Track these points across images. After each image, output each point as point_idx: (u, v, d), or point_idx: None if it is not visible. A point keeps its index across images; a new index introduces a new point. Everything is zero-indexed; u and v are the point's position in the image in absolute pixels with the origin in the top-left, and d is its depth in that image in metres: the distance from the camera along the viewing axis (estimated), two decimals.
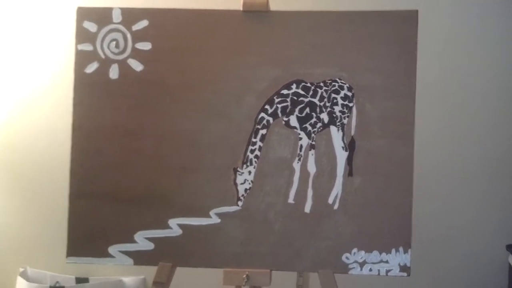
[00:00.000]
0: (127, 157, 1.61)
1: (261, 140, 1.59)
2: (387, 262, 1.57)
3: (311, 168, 1.59)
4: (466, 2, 1.69)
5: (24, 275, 2.34)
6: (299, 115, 1.60)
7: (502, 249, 1.69)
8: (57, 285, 2.29)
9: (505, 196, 1.72)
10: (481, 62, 1.69)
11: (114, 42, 1.62)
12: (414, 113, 1.57)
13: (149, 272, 1.67)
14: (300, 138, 1.60)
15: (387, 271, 1.57)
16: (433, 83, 1.65)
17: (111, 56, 1.62)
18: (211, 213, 1.60)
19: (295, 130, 1.60)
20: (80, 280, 2.31)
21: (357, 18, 1.58)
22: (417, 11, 1.57)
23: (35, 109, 2.00)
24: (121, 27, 1.62)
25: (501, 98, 1.70)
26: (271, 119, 1.60)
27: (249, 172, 1.59)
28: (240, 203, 1.60)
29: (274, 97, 1.60)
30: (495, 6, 1.70)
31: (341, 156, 1.59)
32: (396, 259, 1.57)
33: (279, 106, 1.60)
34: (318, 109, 1.60)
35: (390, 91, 1.57)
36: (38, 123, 2.01)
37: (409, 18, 1.57)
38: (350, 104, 1.59)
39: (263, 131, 1.60)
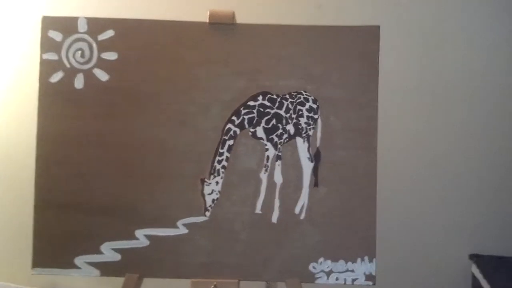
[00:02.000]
0: (93, 167, 1.60)
1: (228, 150, 1.60)
2: (353, 271, 1.59)
3: (278, 178, 1.60)
4: (426, 18, 1.74)
5: None
6: (265, 126, 1.61)
7: (465, 259, 1.73)
8: None
9: (469, 205, 1.76)
10: (445, 73, 1.74)
11: (79, 52, 1.61)
12: (377, 124, 1.61)
13: (116, 284, 1.65)
14: (267, 149, 1.61)
15: (353, 280, 1.59)
16: (395, 95, 1.69)
17: (76, 65, 1.61)
18: (179, 223, 1.60)
19: (262, 141, 1.61)
20: None
21: (322, 32, 1.61)
22: (378, 26, 1.61)
23: None
24: (86, 36, 1.61)
25: (466, 109, 1.75)
26: (238, 130, 1.61)
27: (217, 183, 1.60)
28: (207, 213, 1.60)
29: (241, 108, 1.61)
30: (458, 17, 1.75)
31: (307, 167, 1.61)
32: (362, 268, 1.59)
33: (246, 117, 1.61)
34: (284, 121, 1.62)
35: (354, 103, 1.60)
36: (2, 133, 1.97)
37: (372, 33, 1.61)
38: (315, 116, 1.61)
39: (230, 142, 1.60)
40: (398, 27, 1.63)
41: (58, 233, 1.60)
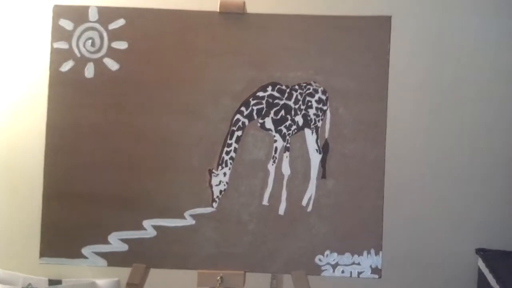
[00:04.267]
0: (102, 157, 1.60)
1: (237, 141, 1.60)
2: (359, 264, 1.59)
3: (286, 170, 1.60)
4: (440, 7, 1.72)
5: None
6: (274, 117, 1.61)
7: (471, 253, 1.73)
8: (30, 286, 2.25)
9: (475, 200, 1.75)
10: (455, 66, 1.73)
11: (90, 41, 1.61)
12: (386, 116, 1.60)
13: (123, 274, 1.65)
14: (275, 140, 1.61)
15: (359, 273, 1.59)
16: (406, 87, 1.67)
17: (86, 54, 1.62)
18: (186, 214, 1.60)
19: (270, 132, 1.61)
20: (53, 282, 2.28)
21: (332, 23, 1.61)
22: (390, 17, 1.60)
23: (9, 107, 1.97)
24: (97, 25, 1.61)
25: (475, 103, 1.74)
26: (246, 121, 1.61)
27: (224, 174, 1.60)
28: (215, 204, 1.60)
29: (250, 99, 1.61)
30: (470, 11, 1.74)
31: (315, 158, 1.60)
32: (368, 261, 1.59)
33: (255, 108, 1.61)
34: (293, 112, 1.61)
35: (363, 95, 1.59)
36: (11, 122, 1.98)
37: (383, 24, 1.60)
38: (324, 107, 1.61)
39: (239, 133, 1.60)
40: (410, 17, 1.61)
41: (66, 223, 1.60)
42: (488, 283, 1.64)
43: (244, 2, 1.60)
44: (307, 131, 1.61)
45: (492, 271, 1.63)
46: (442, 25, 1.72)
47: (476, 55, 1.72)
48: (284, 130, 1.61)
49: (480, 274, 1.73)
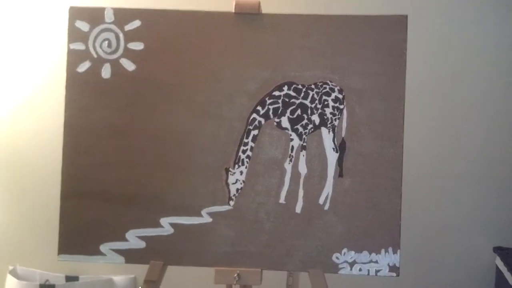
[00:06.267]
0: (119, 156, 1.62)
1: (253, 140, 1.61)
2: (376, 262, 1.59)
3: (302, 169, 1.61)
4: (456, 6, 1.71)
5: (13, 273, 2.34)
6: (290, 116, 1.61)
7: (489, 251, 1.72)
8: (47, 283, 2.28)
9: (493, 198, 1.74)
10: (471, 65, 1.72)
11: (106, 42, 1.62)
12: (404, 115, 1.60)
13: (139, 271, 1.67)
14: (292, 139, 1.61)
15: (377, 271, 1.59)
16: (423, 86, 1.67)
17: (103, 55, 1.63)
18: (203, 212, 1.61)
19: (287, 131, 1.61)
20: (70, 279, 2.31)
21: (348, 22, 1.60)
22: (406, 16, 1.59)
23: (27, 108, 1.99)
24: (113, 27, 1.62)
25: (492, 102, 1.73)
26: (262, 120, 1.61)
27: (241, 172, 1.61)
28: (231, 202, 1.61)
29: (266, 99, 1.61)
30: (487, 10, 1.72)
31: (332, 157, 1.60)
32: (386, 259, 1.59)
33: (271, 107, 1.61)
34: (309, 111, 1.61)
35: (380, 93, 1.59)
36: (30, 122, 2.00)
37: (399, 23, 1.59)
38: (341, 106, 1.61)
39: (255, 132, 1.61)
40: (425, 16, 1.60)
41: (84, 221, 1.62)
42: (506, 281, 1.63)
43: (259, 2, 1.60)
44: (323, 130, 1.61)
45: (510, 269, 1.62)
46: (459, 24, 1.70)
47: (496, 53, 1.71)
48: (301, 129, 1.61)
49: (498, 272, 1.72)
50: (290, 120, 1.61)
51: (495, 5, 1.71)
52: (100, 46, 1.63)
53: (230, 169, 1.61)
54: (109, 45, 1.62)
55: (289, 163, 1.61)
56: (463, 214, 1.70)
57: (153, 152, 1.61)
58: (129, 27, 1.62)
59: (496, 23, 1.69)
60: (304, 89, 1.61)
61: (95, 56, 1.63)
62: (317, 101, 1.61)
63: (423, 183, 1.65)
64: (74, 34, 1.63)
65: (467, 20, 1.70)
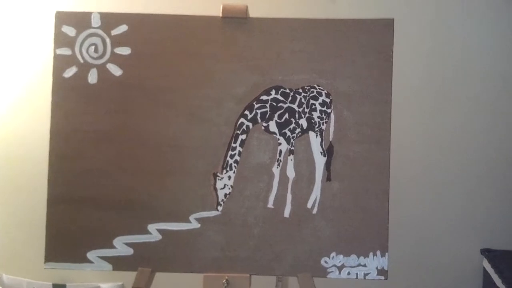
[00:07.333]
0: (106, 162, 1.61)
1: (241, 145, 1.60)
2: (365, 265, 1.59)
3: (290, 173, 1.61)
4: (446, 9, 1.73)
5: (0, 282, 2.30)
6: (278, 120, 1.62)
7: (476, 253, 1.73)
8: None
9: (480, 200, 1.75)
10: (461, 69, 1.73)
11: (93, 47, 1.62)
12: (391, 118, 1.61)
13: (127, 278, 1.65)
14: (279, 144, 1.61)
15: (365, 275, 1.59)
16: (409, 89, 1.68)
17: (90, 60, 1.62)
18: (191, 218, 1.60)
19: (275, 135, 1.62)
20: (57, 287, 2.28)
21: (335, 26, 1.61)
22: (393, 19, 1.61)
23: (12, 114, 1.96)
24: (100, 31, 1.62)
25: (480, 106, 1.74)
26: (250, 125, 1.61)
27: (229, 177, 1.60)
28: (219, 208, 1.60)
29: (254, 103, 1.61)
30: (477, 13, 1.74)
31: (320, 161, 1.61)
32: (374, 262, 1.59)
33: (259, 111, 1.61)
34: (297, 115, 1.62)
35: (367, 97, 1.60)
36: (15, 128, 1.97)
37: (386, 26, 1.61)
38: (328, 110, 1.61)
39: (243, 136, 1.61)
40: (413, 20, 1.61)
41: (70, 228, 1.61)
42: (494, 283, 1.64)
43: (246, 7, 1.61)
44: (311, 134, 1.62)
45: (497, 271, 1.63)
46: (445, 28, 1.72)
47: (480, 57, 1.72)
48: (289, 133, 1.62)
49: (486, 274, 1.73)
50: (278, 124, 1.62)
51: (484, 8, 1.73)
52: (87, 51, 1.62)
53: (218, 174, 1.60)
54: (96, 50, 1.61)
55: (277, 168, 1.61)
56: (450, 216, 1.71)
57: (140, 158, 1.61)
58: (116, 31, 1.62)
59: (486, 26, 1.71)
60: (291, 93, 1.61)
61: (81, 61, 1.62)
62: (304, 105, 1.62)
63: (410, 186, 1.66)
64: (61, 39, 1.62)
65: (454, 23, 1.72)
